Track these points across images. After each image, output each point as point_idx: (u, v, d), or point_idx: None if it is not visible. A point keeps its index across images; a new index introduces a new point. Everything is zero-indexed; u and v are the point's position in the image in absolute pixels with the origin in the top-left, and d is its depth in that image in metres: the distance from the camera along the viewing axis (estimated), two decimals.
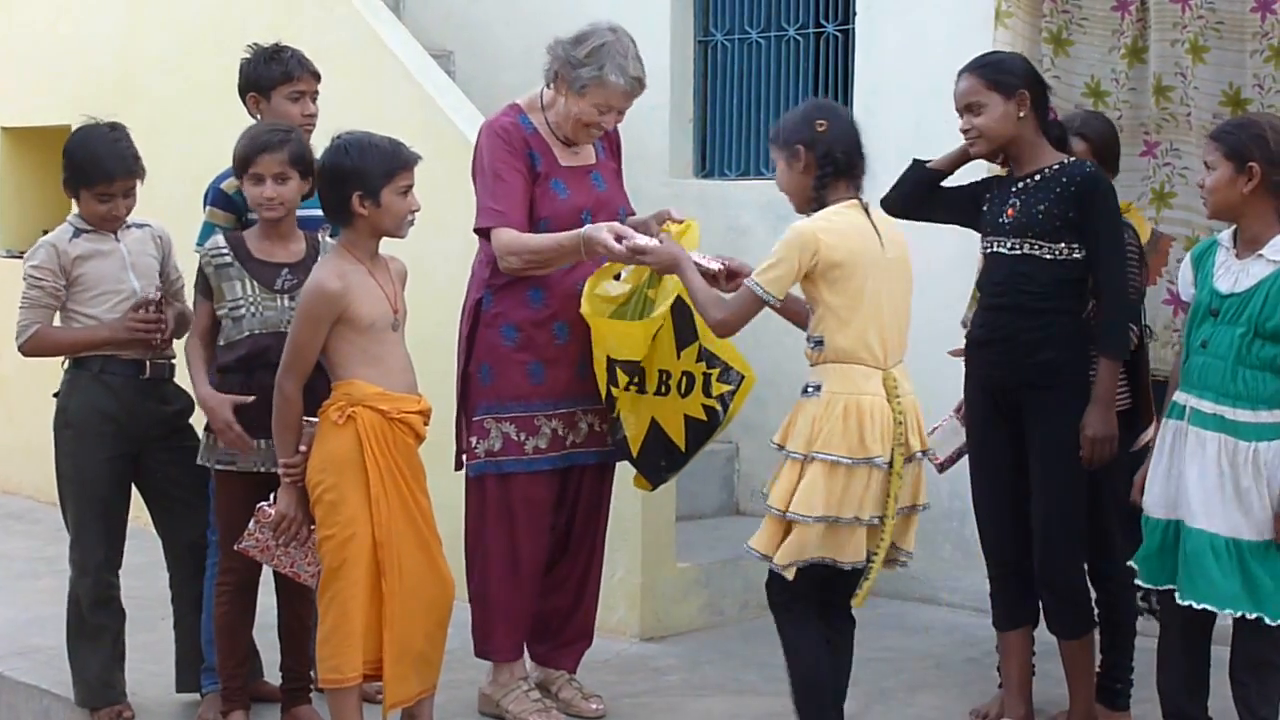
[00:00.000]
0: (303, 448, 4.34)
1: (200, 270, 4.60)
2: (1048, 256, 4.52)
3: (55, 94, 8.46)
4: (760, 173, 7.22)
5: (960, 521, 6.22)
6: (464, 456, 4.95)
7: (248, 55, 5.05)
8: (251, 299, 4.57)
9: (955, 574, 6.38)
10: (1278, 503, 4.04)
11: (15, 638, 5.95)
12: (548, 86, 4.86)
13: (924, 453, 4.28)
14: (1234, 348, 4.09)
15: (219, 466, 4.61)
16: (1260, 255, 4.12)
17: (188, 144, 7.08)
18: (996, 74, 4.58)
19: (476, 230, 4.81)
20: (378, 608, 4.29)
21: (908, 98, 6.49)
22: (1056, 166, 4.56)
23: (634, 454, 4.83)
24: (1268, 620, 4.04)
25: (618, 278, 4.80)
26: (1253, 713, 4.17)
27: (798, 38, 7.21)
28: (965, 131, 4.64)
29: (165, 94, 7.63)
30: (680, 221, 4.81)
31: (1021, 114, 4.55)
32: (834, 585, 4.28)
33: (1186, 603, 4.13)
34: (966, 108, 4.62)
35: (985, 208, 4.72)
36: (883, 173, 6.54)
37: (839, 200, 4.24)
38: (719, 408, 4.81)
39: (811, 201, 4.28)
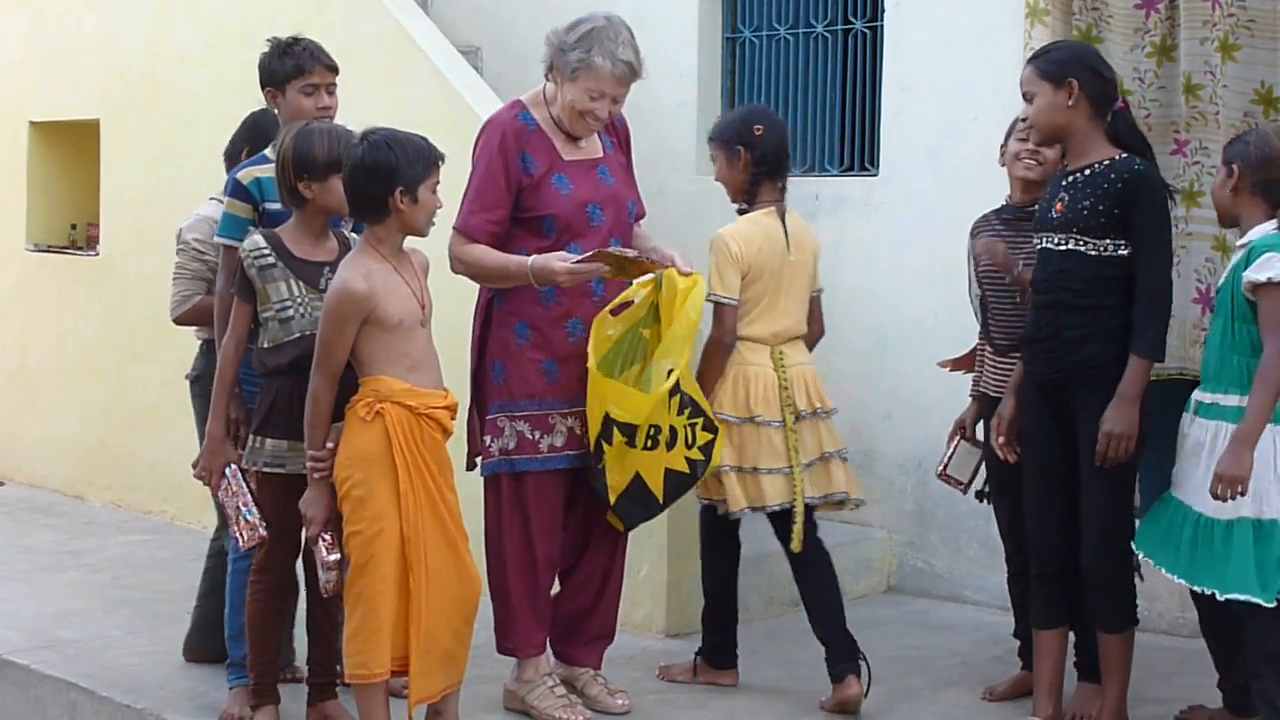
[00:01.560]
0: (330, 444, 4.35)
1: (241, 271, 4.56)
2: (1092, 253, 4.51)
3: (82, 89, 8.49)
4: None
5: (986, 520, 6.18)
6: (477, 456, 4.97)
7: (266, 49, 5.07)
8: (299, 299, 4.54)
9: (980, 572, 6.36)
10: (1221, 463, 4.17)
11: (41, 631, 5.95)
12: (546, 78, 4.88)
13: (827, 411, 5.09)
14: (1219, 334, 4.37)
15: (267, 469, 4.58)
16: (1242, 246, 4.38)
17: (214, 139, 7.07)
18: (1046, 63, 4.63)
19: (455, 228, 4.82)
20: (405, 603, 4.30)
21: (936, 95, 6.48)
22: (1106, 162, 4.55)
23: (611, 502, 4.83)
24: (1219, 595, 4.20)
25: (615, 313, 4.79)
26: (1272, 706, 4.18)
27: (826, 34, 7.19)
28: (1023, 120, 4.82)
29: (192, 89, 7.64)
30: (687, 274, 4.77)
31: (1070, 103, 4.57)
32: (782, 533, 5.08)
33: (1165, 571, 4.40)
34: (1024, 96, 4.71)
35: (1037, 205, 4.76)
36: (910, 169, 6.60)
37: (767, 198, 5.05)
38: (702, 459, 4.82)
39: (744, 194, 5.07)
